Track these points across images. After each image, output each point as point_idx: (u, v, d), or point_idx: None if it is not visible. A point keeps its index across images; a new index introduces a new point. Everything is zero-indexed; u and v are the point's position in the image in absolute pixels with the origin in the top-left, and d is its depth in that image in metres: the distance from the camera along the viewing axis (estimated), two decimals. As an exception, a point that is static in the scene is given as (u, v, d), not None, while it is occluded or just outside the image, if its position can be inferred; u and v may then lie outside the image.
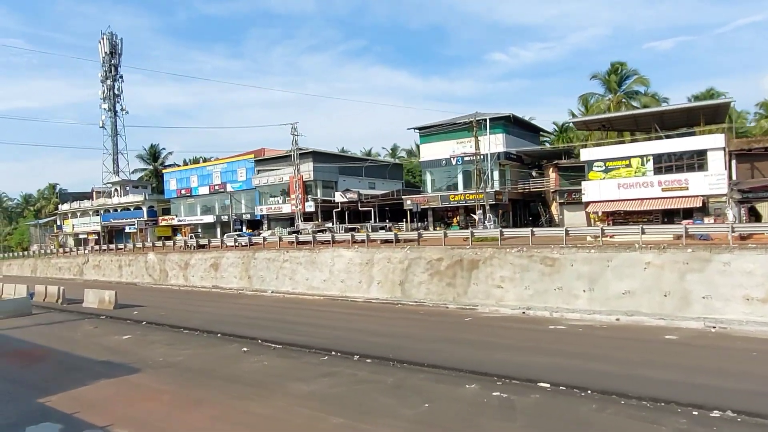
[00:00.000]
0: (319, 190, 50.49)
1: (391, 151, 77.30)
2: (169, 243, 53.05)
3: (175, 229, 67.40)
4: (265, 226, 55.01)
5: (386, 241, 35.95)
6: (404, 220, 46.61)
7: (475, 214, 36.76)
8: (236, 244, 44.67)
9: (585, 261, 24.80)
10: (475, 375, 14.78)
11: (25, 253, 78.39)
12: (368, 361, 17.01)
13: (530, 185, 41.48)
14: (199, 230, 63.01)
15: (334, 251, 35.58)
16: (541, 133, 53.50)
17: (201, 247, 49.20)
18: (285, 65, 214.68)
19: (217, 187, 58.93)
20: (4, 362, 19.64)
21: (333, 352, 18.27)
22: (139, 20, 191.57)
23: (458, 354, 17.27)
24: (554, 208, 42.12)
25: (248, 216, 56.31)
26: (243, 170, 56.12)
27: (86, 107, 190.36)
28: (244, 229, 57.36)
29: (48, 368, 18.15)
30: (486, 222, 35.71)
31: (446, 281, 30.03)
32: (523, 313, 24.39)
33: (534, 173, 44.00)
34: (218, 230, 60.27)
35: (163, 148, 79.46)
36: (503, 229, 31.11)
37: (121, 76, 75.56)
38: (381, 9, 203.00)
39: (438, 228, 42.82)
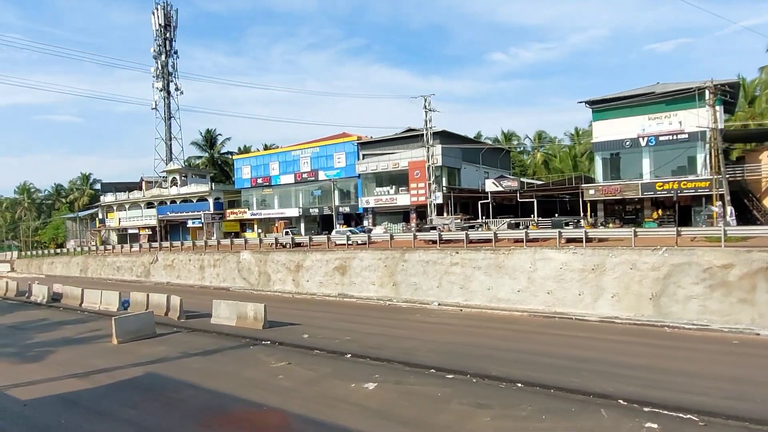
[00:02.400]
0: (444, 178, 42.00)
1: (503, 136, 67.65)
2: (243, 239, 44.60)
3: (244, 224, 58.96)
4: (368, 221, 46.55)
5: (572, 240, 27.75)
6: (555, 214, 38.24)
7: (713, 205, 28.28)
8: (349, 242, 36.26)
9: None
10: None
11: (62, 250, 69.84)
12: None
13: (743, 171, 32.96)
14: (276, 224, 54.50)
15: (536, 252, 27.13)
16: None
17: (297, 245, 40.91)
18: (285, 63, 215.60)
19: (305, 175, 50.39)
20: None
21: None
22: (140, 17, 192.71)
23: None
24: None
25: (345, 209, 47.82)
26: (341, 155, 47.59)
27: (87, 103, 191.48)
28: (338, 226, 48.93)
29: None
30: (728, 217, 27.31)
31: (737, 296, 21.68)
32: None
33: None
34: (302, 226, 51.87)
35: (219, 134, 70.92)
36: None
37: (175, 52, 67.12)
38: (381, 8, 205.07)
39: (611, 225, 34.47)
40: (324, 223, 50.95)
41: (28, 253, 70.85)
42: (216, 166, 69.68)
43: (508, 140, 65.22)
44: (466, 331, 22.15)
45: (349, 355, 18.33)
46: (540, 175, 59.90)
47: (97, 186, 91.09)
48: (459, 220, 37.40)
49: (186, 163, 66.79)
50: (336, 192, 49.03)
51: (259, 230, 56.35)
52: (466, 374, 15.57)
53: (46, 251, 67.42)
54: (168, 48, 65.97)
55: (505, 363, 16.54)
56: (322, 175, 49.03)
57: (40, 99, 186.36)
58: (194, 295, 31.58)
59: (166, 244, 50.48)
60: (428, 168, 38.74)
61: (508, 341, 19.81)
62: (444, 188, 40.47)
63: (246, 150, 71.95)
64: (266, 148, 68.29)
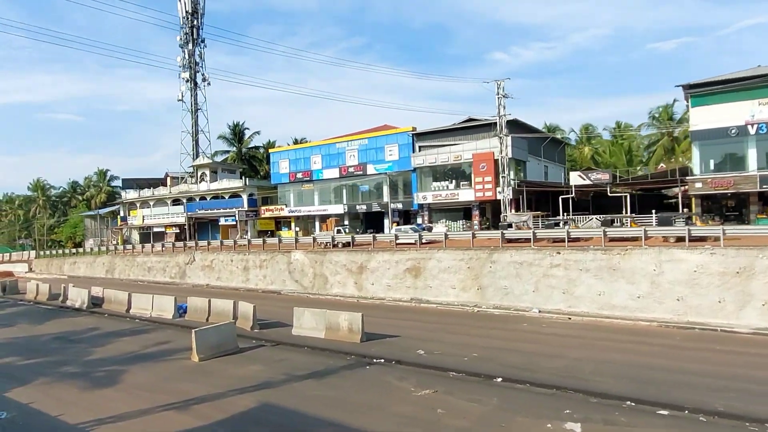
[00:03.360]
0: (511, 172, 38.47)
1: (546, 128, 63.55)
2: (293, 238, 41.11)
3: (279, 222, 55.53)
4: (421, 218, 43.06)
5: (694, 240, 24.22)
6: (653, 210, 34.77)
7: None
8: (423, 241, 32.82)
9: None
10: None
11: (80, 249, 66.45)
12: None
13: None
14: (317, 222, 51.11)
15: (661, 253, 23.59)
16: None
17: (345, 245, 37.57)
18: (286, 62, 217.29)
19: (352, 170, 46.87)
20: None
21: None
22: (140, 15, 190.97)
23: None
24: None
25: (397, 205, 44.33)
26: (394, 147, 44.06)
27: (87, 101, 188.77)
28: (389, 224, 45.52)
29: None
30: None
31: None
32: None
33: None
34: (346, 224, 48.36)
35: (247, 128, 67.34)
36: None
37: (202, 40, 63.53)
38: (383, 7, 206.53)
39: (711, 222, 30.95)
40: (369, 222, 47.49)
41: (47, 252, 67.44)
42: (244, 161, 66.16)
43: (551, 132, 61.66)
44: (606, 346, 18.64)
45: (500, 379, 14.86)
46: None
47: (115, 183, 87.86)
48: (537, 218, 33.90)
49: (212, 158, 63.15)
50: (386, 187, 45.57)
51: (297, 228, 52.93)
52: (683, 409, 12.11)
53: (64, 251, 63.94)
54: (195, 36, 62.46)
55: (709, 391, 13.10)
56: (371, 169, 45.50)
57: (40, 98, 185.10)
58: (247, 299, 28.25)
59: (203, 243, 47.00)
60: (501, 160, 35.15)
61: (674, 360, 16.27)
62: (513, 182, 36.86)
63: (270, 145, 68.37)
64: (296, 142, 64.83)
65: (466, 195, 39.70)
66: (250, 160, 66.55)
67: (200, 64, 63.22)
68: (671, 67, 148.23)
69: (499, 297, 27.50)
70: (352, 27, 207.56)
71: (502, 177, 35.25)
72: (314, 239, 38.70)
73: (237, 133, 66.07)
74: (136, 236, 68.32)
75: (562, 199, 35.11)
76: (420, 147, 42.69)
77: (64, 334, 23.81)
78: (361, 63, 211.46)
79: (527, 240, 28.50)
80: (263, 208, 54.58)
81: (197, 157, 60.93)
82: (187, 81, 62.70)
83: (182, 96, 62.64)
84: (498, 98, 34.68)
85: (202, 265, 43.77)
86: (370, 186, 46.34)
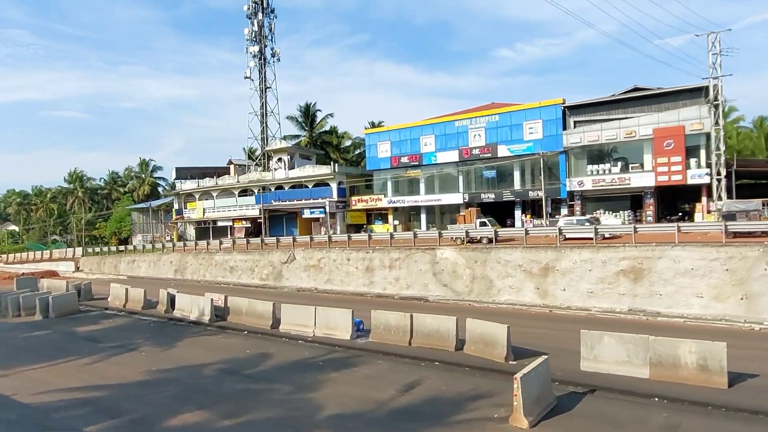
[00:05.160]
0: (702, 150, 31.07)
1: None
2: (353, 235, 33.90)
3: (370, 215, 48.40)
4: (573, 209, 35.73)
5: None
6: None
7: None
8: (591, 236, 25.76)
9: None
10: None
11: (128, 246, 59.51)
12: None
13: None
14: (423, 215, 43.90)
15: None
16: None
17: (472, 241, 30.70)
18: (289, 59, 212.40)
19: (477, 152, 39.50)
20: None
21: None
22: (145, 12, 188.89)
23: None
24: None
25: (535, 194, 36.97)
26: (536, 124, 36.63)
27: (92, 99, 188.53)
28: (519, 215, 38.33)
29: None
30: None
31: None
32: None
33: None
34: (462, 212, 41.12)
35: (319, 110, 59.96)
36: None
37: (272, 11, 56.41)
38: (386, 3, 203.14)
39: None
40: (492, 214, 40.29)
41: (94, 249, 60.51)
42: (316, 146, 58.94)
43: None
44: None
45: None
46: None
47: (157, 174, 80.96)
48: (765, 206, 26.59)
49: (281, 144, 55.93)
50: (517, 172, 38.29)
51: (396, 222, 45.74)
52: None
53: (118, 248, 56.86)
54: (264, 5, 55.34)
55: None
56: (503, 151, 38.11)
57: (45, 95, 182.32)
58: (389, 308, 21.18)
59: (302, 238, 39.82)
60: (713, 133, 27.74)
61: None
62: (714, 162, 29.36)
63: (332, 132, 61.02)
64: (373, 126, 57.51)
65: (640, 179, 32.33)
66: (322, 146, 59.31)
67: (269, 38, 56.11)
68: (679, 63, 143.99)
69: (778, 309, 20.31)
70: (355, 24, 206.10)
71: (716, 154, 27.81)
72: (440, 234, 31.75)
73: (309, 116, 58.75)
74: (191, 231, 61.37)
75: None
76: (576, 123, 35.29)
77: (227, 365, 16.66)
78: (365, 60, 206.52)
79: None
80: (353, 198, 47.40)
81: (273, 140, 53.63)
82: (254, 56, 55.51)
83: (249, 73, 55.49)
84: (711, 56, 27.25)
85: (306, 264, 36.61)
86: (500, 170, 38.98)
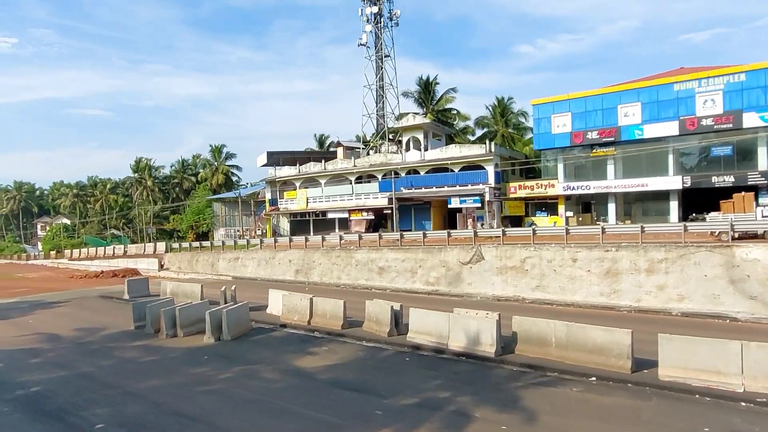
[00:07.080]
0: None
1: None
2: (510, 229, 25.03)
3: (528, 205, 39.72)
4: None
5: None
6: None
7: None
8: None
9: None
10: None
11: (211, 241, 51.93)
12: None
13: None
14: (610, 204, 35.00)
15: None
16: None
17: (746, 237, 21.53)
18: (308, 57, 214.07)
19: (709, 121, 30.45)
20: None
21: None
22: (165, 11, 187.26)
23: None
24: None
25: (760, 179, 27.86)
26: (810, 80, 27.49)
27: (114, 97, 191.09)
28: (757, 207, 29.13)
29: None
30: None
31: None
32: None
33: None
34: (672, 205, 32.28)
35: (438, 83, 51.23)
36: None
37: (389, -35, 48.07)
38: (405, 0, 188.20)
39: None
40: (690, 202, 31.37)
41: (182, 245, 53.05)
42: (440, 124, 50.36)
43: None
44: None
45: None
46: None
47: (230, 162, 73.35)
48: None
49: (397, 122, 47.48)
50: (763, 147, 29.19)
51: (569, 214, 36.96)
52: None
53: (212, 244, 49.14)
54: (382, -41, 47.06)
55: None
56: (750, 120, 29.03)
57: (69, 94, 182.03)
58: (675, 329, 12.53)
59: (492, 232, 31.25)
60: None
61: None
62: None
63: (455, 111, 51.93)
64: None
65: None
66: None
67: (388, -2, 47.75)
68: (704, 59, 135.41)
69: None
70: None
71: None
72: (685, 228, 22.64)
73: (429, 91, 50.17)
74: (284, 225, 53.55)
75: None
76: None
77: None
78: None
79: None
80: (511, 185, 38.72)
81: (404, 117, 45.16)
82: (370, 21, 47.21)
83: (365, 40, 47.25)
84: None
85: (501, 266, 28.06)
86: (738, 145, 29.92)
